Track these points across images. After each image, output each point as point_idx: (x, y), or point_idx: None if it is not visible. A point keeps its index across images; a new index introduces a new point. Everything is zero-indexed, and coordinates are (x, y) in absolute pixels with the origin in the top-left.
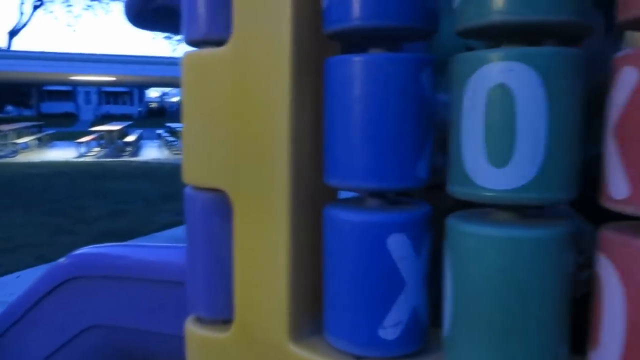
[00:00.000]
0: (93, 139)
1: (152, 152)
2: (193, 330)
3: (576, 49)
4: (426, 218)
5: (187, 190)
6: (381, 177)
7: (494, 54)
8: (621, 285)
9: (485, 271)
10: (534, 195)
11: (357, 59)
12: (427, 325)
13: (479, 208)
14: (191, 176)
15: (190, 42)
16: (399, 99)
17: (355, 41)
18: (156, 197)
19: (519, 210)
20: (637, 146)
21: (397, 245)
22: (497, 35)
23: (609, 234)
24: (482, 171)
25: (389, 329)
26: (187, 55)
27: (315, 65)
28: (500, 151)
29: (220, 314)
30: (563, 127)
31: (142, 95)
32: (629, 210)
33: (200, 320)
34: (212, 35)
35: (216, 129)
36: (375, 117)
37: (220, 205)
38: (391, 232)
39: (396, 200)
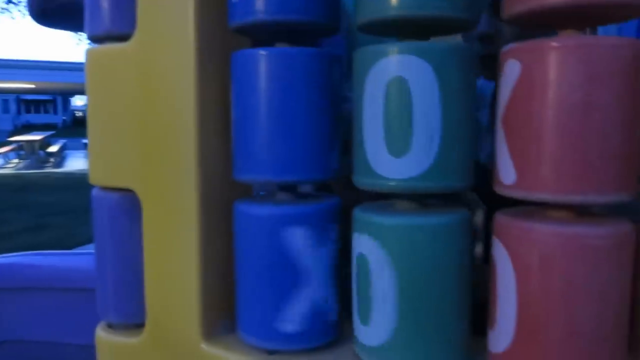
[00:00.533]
0: (11, 150)
1: (77, 163)
2: (104, 337)
3: (467, 44)
4: (330, 211)
5: (94, 192)
6: (288, 171)
7: (391, 48)
8: (512, 266)
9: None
10: (431, 183)
11: (262, 53)
12: (335, 318)
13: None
14: (98, 176)
15: (93, 38)
16: (303, 92)
17: (263, 36)
18: (81, 209)
19: (420, 200)
20: (520, 134)
21: (295, 237)
22: (396, 30)
23: (500, 218)
24: (382, 161)
25: (290, 322)
26: (90, 51)
27: (222, 60)
28: (399, 142)
29: (132, 319)
30: (457, 119)
31: (66, 103)
32: (516, 194)
33: (111, 327)
34: (116, 31)
35: (122, 126)
36: (280, 111)
37: (128, 206)
38: (288, 224)
39: (308, 194)
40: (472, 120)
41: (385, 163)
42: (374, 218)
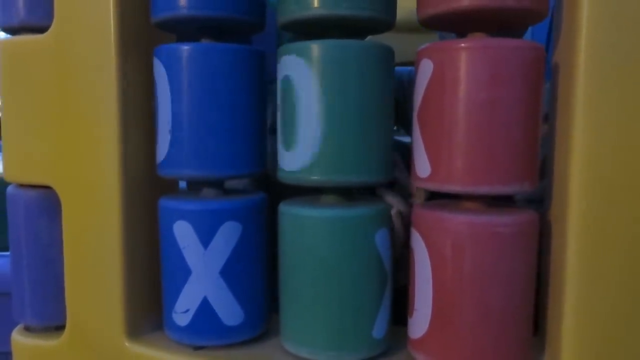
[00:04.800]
0: None
1: None
2: (21, 341)
3: (360, 41)
4: (222, 210)
5: (10, 190)
6: (211, 166)
7: (282, 48)
8: (427, 254)
9: (292, 246)
10: (314, 176)
11: (184, 48)
12: (223, 317)
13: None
14: (13, 173)
15: (7, 29)
16: (225, 88)
17: (188, 32)
18: None
19: (343, 194)
20: (433, 129)
21: (181, 233)
22: (316, 29)
23: (417, 210)
24: (281, 154)
25: (180, 315)
26: (4, 42)
27: (145, 54)
28: (288, 136)
29: (51, 321)
30: (338, 115)
31: None
32: (430, 187)
33: (29, 330)
34: (32, 22)
35: (39, 120)
36: (203, 106)
37: (46, 203)
38: (176, 219)
39: (234, 190)
40: (362, 115)
41: (282, 156)
42: (284, 209)
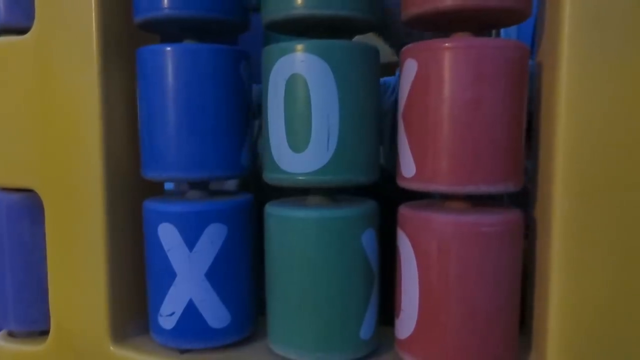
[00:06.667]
0: None
1: None
2: (4, 347)
3: (368, 44)
4: (207, 211)
5: None
6: (196, 168)
7: (290, 46)
8: (414, 254)
9: (279, 248)
10: (329, 177)
11: (167, 49)
12: (209, 320)
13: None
14: None
15: None
16: (209, 89)
17: (172, 32)
18: None
19: (329, 195)
20: (418, 130)
21: (166, 235)
22: (300, 29)
23: (403, 210)
24: (285, 157)
25: (165, 318)
26: None
27: (128, 57)
28: (299, 138)
29: (35, 326)
30: (356, 115)
31: None
32: (416, 187)
33: (12, 335)
34: (12, 23)
35: (21, 123)
36: (187, 107)
37: (29, 207)
38: (160, 221)
39: (219, 192)
40: (374, 118)
41: (287, 158)
42: (271, 210)
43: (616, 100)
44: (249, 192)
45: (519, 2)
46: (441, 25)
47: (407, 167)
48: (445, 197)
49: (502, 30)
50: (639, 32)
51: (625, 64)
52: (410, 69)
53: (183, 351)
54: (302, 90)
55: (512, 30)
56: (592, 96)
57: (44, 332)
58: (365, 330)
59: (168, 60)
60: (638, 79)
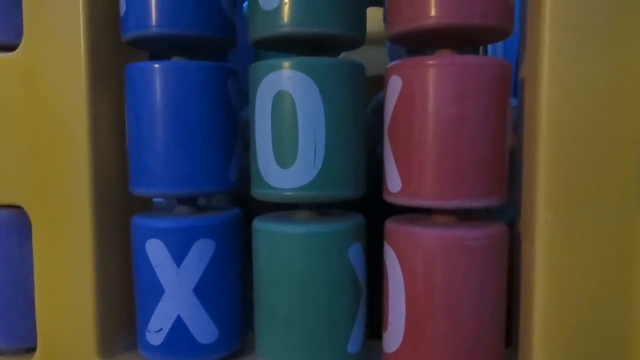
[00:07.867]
0: None
1: None
2: None
3: (353, 61)
4: (195, 227)
5: None
6: (183, 184)
7: (277, 63)
8: (400, 268)
9: (267, 263)
10: (316, 192)
11: (155, 66)
12: (197, 335)
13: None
14: None
15: None
16: (197, 106)
17: (159, 50)
18: None
19: (316, 209)
20: (404, 145)
21: (154, 251)
22: (287, 47)
23: (389, 225)
24: (272, 172)
25: (153, 334)
26: None
27: (116, 73)
28: (286, 153)
29: (22, 343)
30: (342, 131)
31: None
32: (401, 201)
33: None
34: (0, 40)
35: (8, 139)
36: (174, 124)
37: (16, 223)
38: (148, 237)
39: (208, 207)
40: (358, 132)
41: (274, 174)
42: (259, 225)
43: (597, 115)
44: (237, 207)
45: (501, 20)
46: (426, 42)
47: (393, 182)
48: (430, 212)
49: (489, 47)
50: (619, 49)
51: (605, 80)
52: (394, 85)
53: None
54: (289, 107)
55: (499, 46)
56: (572, 113)
57: (31, 349)
58: (353, 344)
59: (156, 77)
60: (618, 95)
